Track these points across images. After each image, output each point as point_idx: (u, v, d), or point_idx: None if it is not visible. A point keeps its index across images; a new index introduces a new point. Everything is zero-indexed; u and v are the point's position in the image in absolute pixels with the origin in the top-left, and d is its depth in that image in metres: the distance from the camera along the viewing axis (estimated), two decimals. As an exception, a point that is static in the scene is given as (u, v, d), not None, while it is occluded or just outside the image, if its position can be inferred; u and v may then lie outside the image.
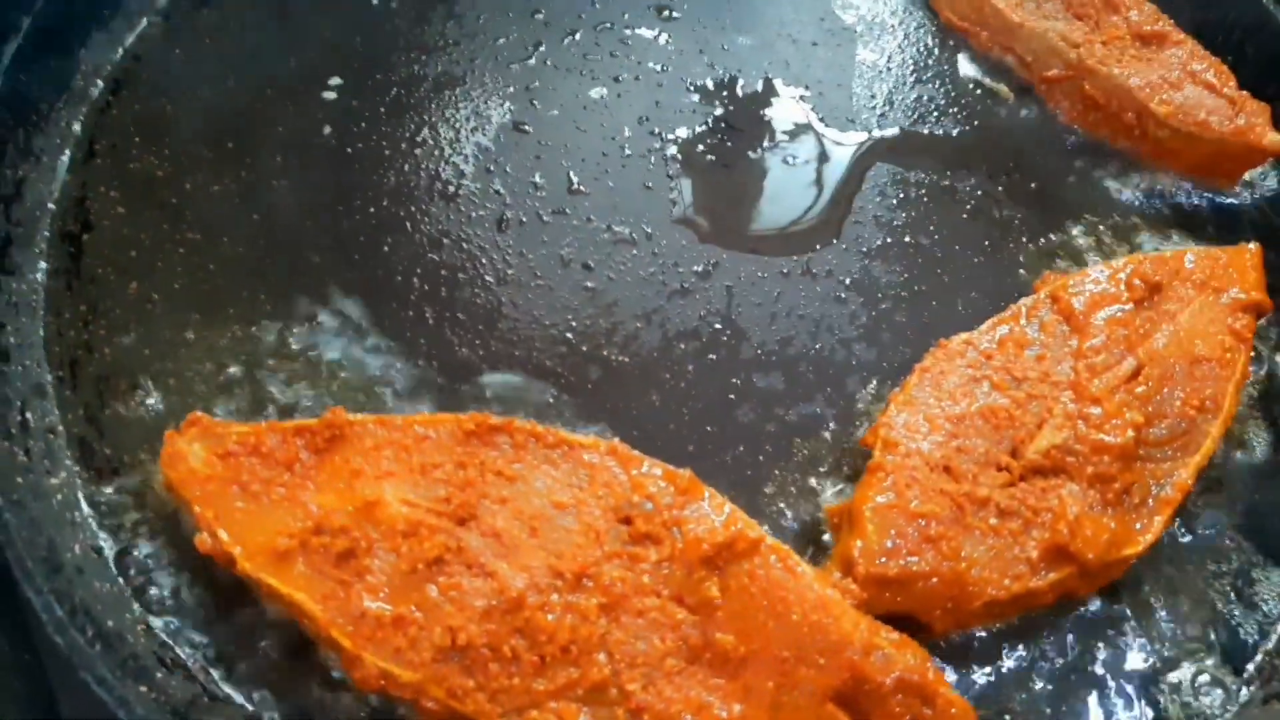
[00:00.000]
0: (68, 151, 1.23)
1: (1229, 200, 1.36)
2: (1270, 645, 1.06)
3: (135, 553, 1.00)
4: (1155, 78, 1.36)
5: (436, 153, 1.28)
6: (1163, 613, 1.06)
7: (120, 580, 0.98)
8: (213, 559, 0.95)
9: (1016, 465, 1.06)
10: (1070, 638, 1.04)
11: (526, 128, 1.31)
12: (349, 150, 1.28)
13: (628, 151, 1.30)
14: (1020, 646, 1.03)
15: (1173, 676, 1.03)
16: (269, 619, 0.96)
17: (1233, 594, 1.08)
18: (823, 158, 1.33)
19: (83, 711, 1.00)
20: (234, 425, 1.01)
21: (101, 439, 1.06)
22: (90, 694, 0.91)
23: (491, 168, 1.28)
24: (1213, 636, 1.05)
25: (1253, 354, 1.17)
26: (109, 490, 1.03)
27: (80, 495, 1.02)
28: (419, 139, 1.29)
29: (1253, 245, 1.23)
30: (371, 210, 1.23)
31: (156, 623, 0.97)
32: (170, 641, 0.96)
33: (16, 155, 1.19)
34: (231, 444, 0.99)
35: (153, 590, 0.98)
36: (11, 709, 1.01)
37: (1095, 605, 1.05)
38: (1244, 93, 1.36)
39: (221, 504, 0.96)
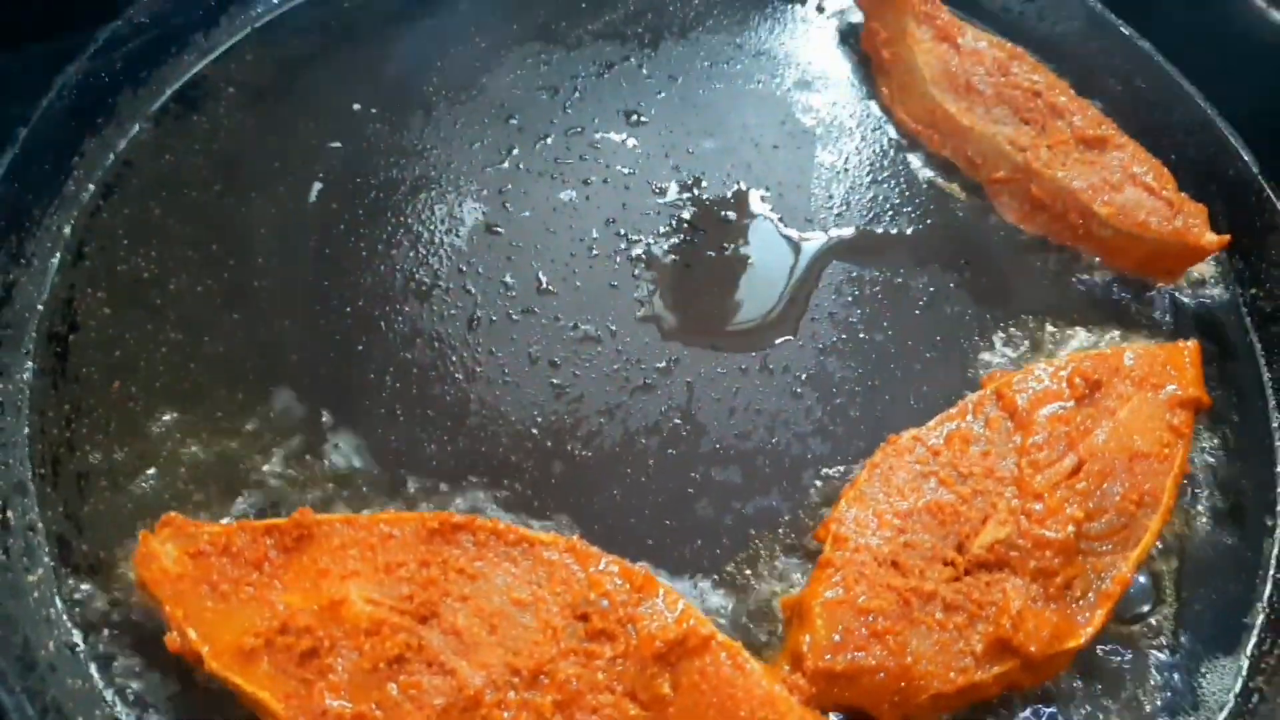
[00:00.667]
0: (58, 254, 1.28)
1: (1172, 297, 1.42)
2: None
3: (108, 650, 1.03)
4: (1098, 180, 1.43)
5: (412, 254, 1.34)
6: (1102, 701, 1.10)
7: (94, 677, 1.01)
8: (183, 656, 0.98)
9: (962, 560, 1.10)
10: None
11: (499, 229, 1.38)
12: (328, 251, 1.34)
13: (595, 252, 1.37)
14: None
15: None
16: (240, 717, 0.99)
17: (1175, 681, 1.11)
18: (782, 257, 1.39)
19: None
20: (206, 525, 1.05)
21: (80, 536, 1.09)
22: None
23: (464, 268, 1.34)
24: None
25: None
26: (85, 587, 1.06)
27: (56, 592, 1.06)
28: (395, 240, 1.36)
29: (1190, 343, 1.29)
30: (348, 309, 1.29)
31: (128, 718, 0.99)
32: (140, 739, 0.99)
33: (8, 260, 1.24)
34: (203, 544, 1.03)
35: (125, 687, 1.01)
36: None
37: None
38: (1183, 194, 1.43)
39: (192, 603, 1.00)
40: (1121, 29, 1.62)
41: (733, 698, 0.97)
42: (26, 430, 1.15)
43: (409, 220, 1.38)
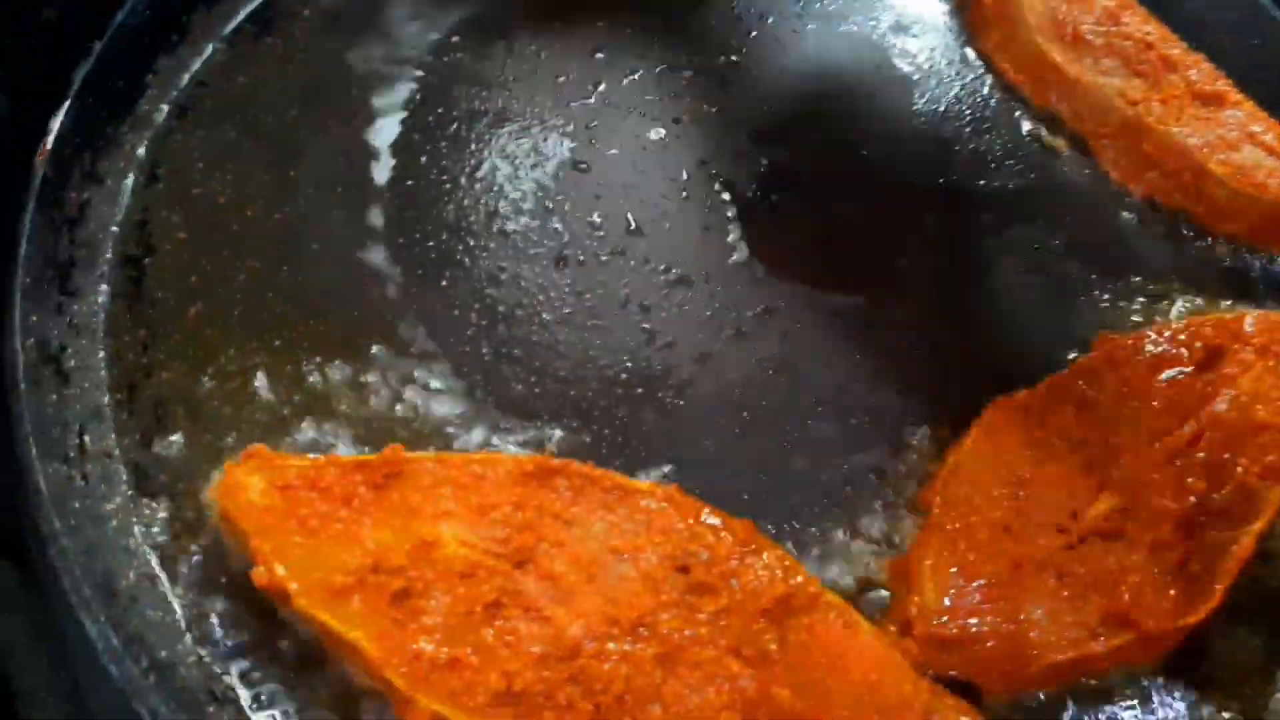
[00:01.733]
0: (131, 175, 1.23)
1: (1285, 264, 1.36)
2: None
3: (188, 583, 0.99)
4: (1213, 137, 1.36)
5: (495, 189, 1.29)
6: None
7: (175, 611, 0.97)
8: (268, 593, 0.94)
9: (1076, 528, 1.05)
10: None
11: (585, 166, 1.32)
12: (408, 182, 1.28)
13: (686, 194, 1.31)
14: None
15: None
16: (322, 656, 0.95)
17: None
18: (880, 207, 1.33)
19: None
20: (293, 459, 1.00)
21: (158, 465, 1.05)
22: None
23: (550, 205, 1.28)
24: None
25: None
26: (164, 518, 1.02)
27: (135, 522, 1.02)
28: (478, 174, 1.30)
29: (1314, 311, 1.23)
30: (430, 244, 1.23)
31: (207, 656, 0.96)
32: (221, 674, 0.95)
33: (81, 179, 1.19)
34: (291, 477, 0.98)
35: (205, 622, 0.97)
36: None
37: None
38: (1303, 156, 1.35)
39: (279, 538, 0.96)
40: (1238, -20, 1.54)
41: (843, 658, 0.93)
42: (102, 354, 1.11)
43: (492, 154, 1.32)
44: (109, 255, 1.17)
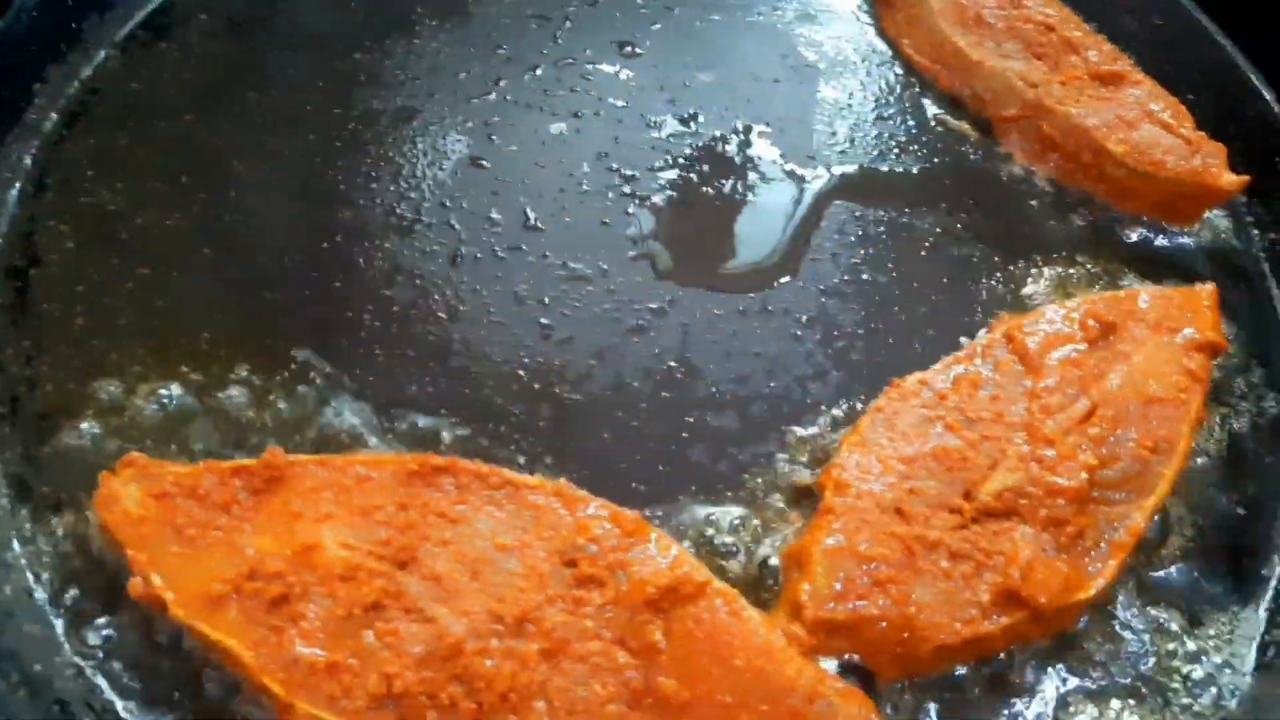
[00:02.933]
0: (17, 185, 1.21)
1: (1186, 240, 1.36)
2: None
3: (67, 596, 0.97)
4: (1112, 117, 1.37)
5: (393, 188, 1.28)
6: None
7: (52, 624, 0.96)
8: (145, 603, 0.93)
9: (969, 508, 1.04)
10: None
11: (484, 163, 1.31)
12: (304, 184, 1.27)
13: (585, 188, 1.30)
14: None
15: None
16: (204, 665, 0.94)
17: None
18: (783, 195, 1.33)
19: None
20: (170, 466, 0.99)
21: (39, 477, 1.03)
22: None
23: (448, 203, 1.27)
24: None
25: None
26: (44, 531, 1.01)
27: (14, 535, 1.00)
28: (375, 173, 1.29)
29: (1208, 286, 1.23)
30: (325, 245, 1.22)
31: (88, 669, 0.94)
32: (100, 687, 0.93)
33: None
34: (168, 485, 0.97)
35: (85, 634, 0.95)
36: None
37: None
38: (1201, 133, 1.36)
39: (156, 548, 0.94)
40: (1137, -40, 1.55)
41: (729, 646, 0.92)
42: (-17, 370, 1.09)
43: (390, 153, 1.31)
44: (-8, 267, 1.15)
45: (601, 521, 0.98)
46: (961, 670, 1.01)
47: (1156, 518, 1.10)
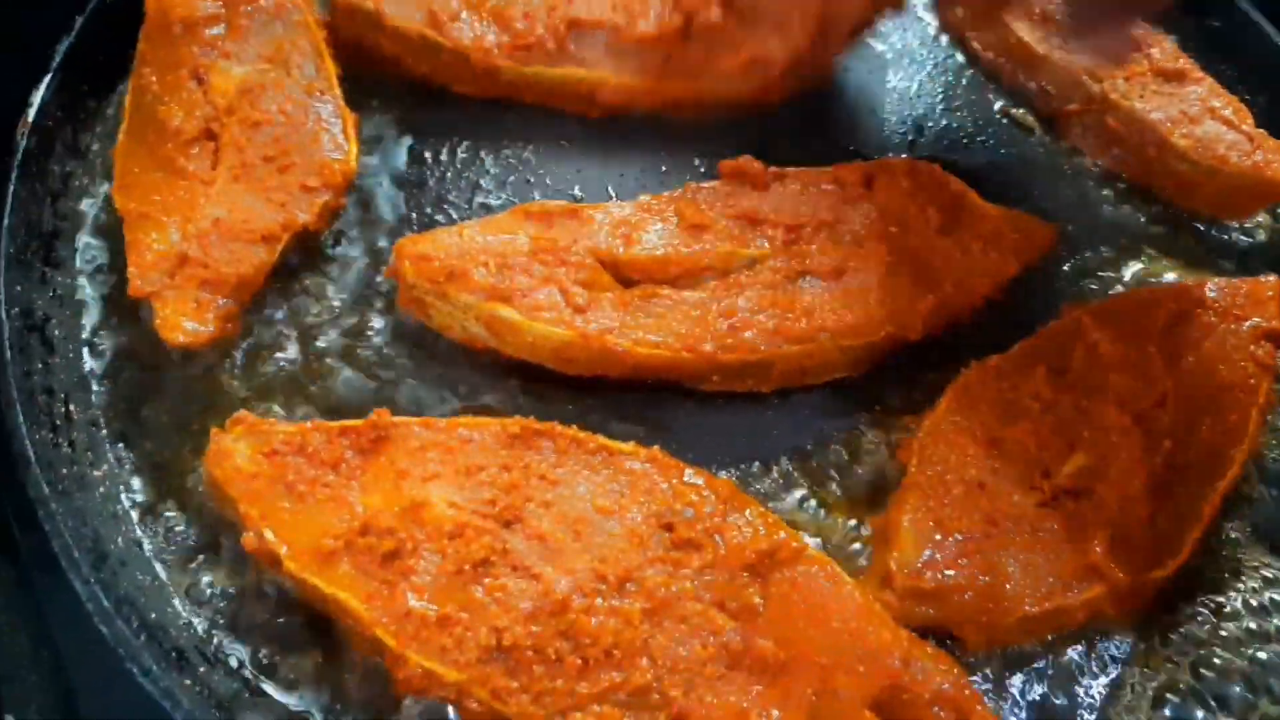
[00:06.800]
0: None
1: (1244, 237, 1.39)
2: None
3: (176, 549, 1.00)
4: (1176, 112, 1.40)
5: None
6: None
7: (163, 575, 0.98)
8: (258, 557, 0.95)
9: (1049, 485, 1.08)
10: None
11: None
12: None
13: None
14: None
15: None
16: (311, 617, 0.97)
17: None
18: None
19: (104, 710, 1.00)
20: (279, 424, 1.02)
21: (142, 435, 1.06)
22: (117, 690, 0.91)
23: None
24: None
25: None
26: (150, 485, 1.03)
27: (122, 489, 1.03)
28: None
29: (1272, 277, 1.26)
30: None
31: (198, 619, 0.97)
32: (213, 637, 0.96)
33: (64, 151, 1.20)
34: (277, 443, 1.00)
35: (196, 587, 0.98)
36: (30, 706, 1.01)
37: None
38: (1262, 130, 1.40)
39: (267, 503, 0.97)
40: (1197, -37, 1.57)
41: (825, 609, 0.95)
42: (85, 324, 1.11)
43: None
44: (90, 226, 1.17)
45: (698, 488, 1.01)
46: (1046, 640, 1.04)
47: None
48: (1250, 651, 1.07)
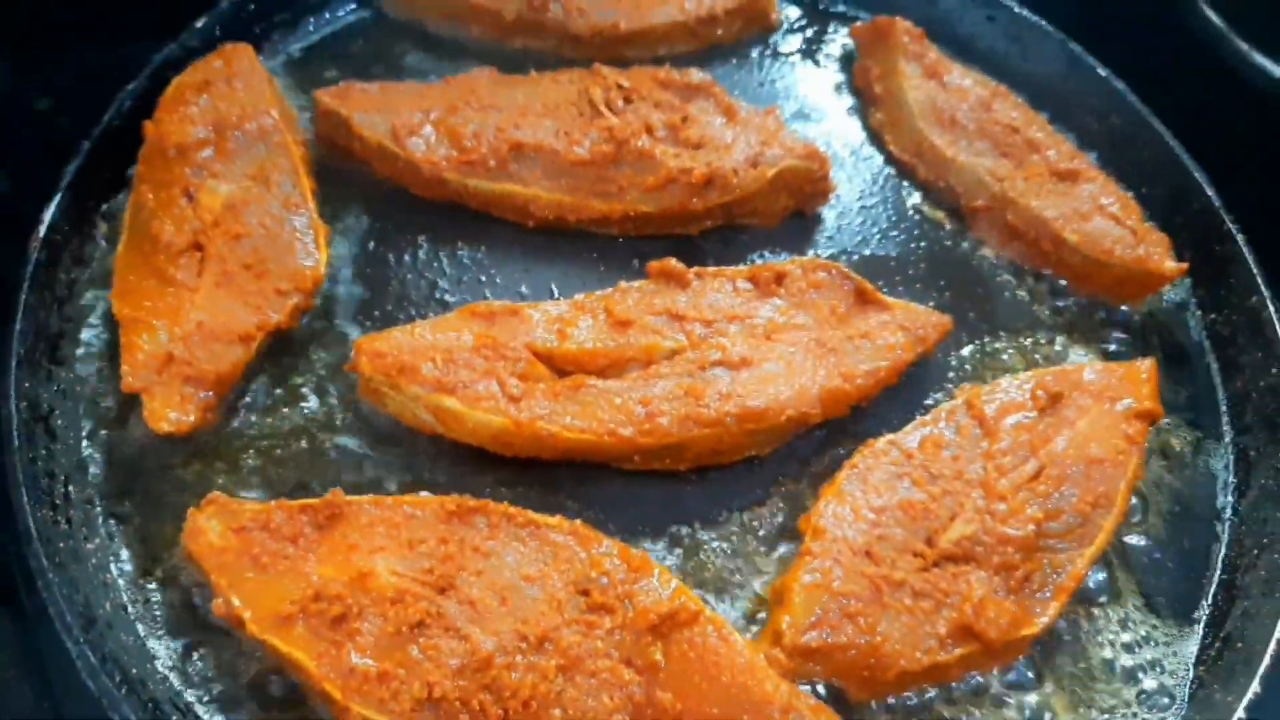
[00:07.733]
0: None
1: (1135, 319, 1.53)
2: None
3: (156, 612, 1.15)
4: (1068, 210, 1.55)
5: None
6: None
7: (142, 636, 1.13)
8: (225, 621, 1.10)
9: (930, 553, 1.21)
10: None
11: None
12: None
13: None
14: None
15: None
16: (270, 671, 1.11)
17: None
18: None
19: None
20: (247, 504, 1.17)
21: (133, 511, 1.21)
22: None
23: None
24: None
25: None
26: (137, 557, 1.18)
27: (112, 560, 1.18)
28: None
29: (1147, 361, 1.40)
30: (376, 313, 1.41)
31: (174, 675, 1.11)
32: (184, 693, 1.10)
33: (70, 261, 1.36)
34: (245, 520, 1.15)
35: (173, 648, 1.13)
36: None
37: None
38: (1147, 225, 1.54)
39: (234, 574, 1.12)
40: (1098, 70, 1.73)
41: (717, 665, 1.08)
42: (84, 414, 1.27)
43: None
44: (91, 326, 1.34)
45: (612, 557, 1.15)
46: (930, 693, 1.16)
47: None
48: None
